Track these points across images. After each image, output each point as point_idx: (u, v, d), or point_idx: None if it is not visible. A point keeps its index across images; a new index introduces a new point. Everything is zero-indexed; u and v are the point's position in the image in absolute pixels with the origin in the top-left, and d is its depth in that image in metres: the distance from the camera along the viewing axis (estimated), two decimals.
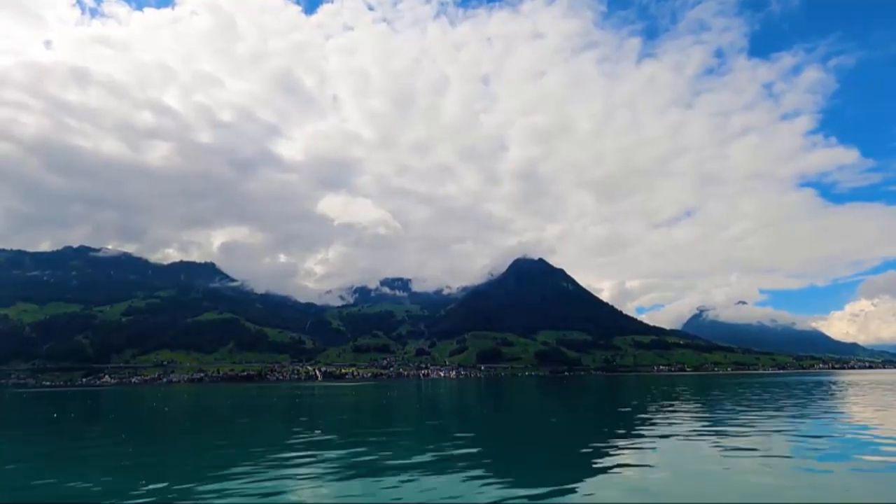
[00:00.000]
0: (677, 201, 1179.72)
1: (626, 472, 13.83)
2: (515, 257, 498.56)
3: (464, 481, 12.91)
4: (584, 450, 18.09)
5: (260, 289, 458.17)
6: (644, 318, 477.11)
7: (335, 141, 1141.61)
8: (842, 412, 29.54)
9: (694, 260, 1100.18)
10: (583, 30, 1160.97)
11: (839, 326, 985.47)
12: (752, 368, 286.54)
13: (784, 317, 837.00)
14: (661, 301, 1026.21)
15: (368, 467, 15.01)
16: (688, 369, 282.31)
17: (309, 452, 17.53)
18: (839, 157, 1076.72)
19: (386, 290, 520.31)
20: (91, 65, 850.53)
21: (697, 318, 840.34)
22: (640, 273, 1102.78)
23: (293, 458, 16.58)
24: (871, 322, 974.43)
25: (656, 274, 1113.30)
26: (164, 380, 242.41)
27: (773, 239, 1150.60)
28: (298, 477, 13.72)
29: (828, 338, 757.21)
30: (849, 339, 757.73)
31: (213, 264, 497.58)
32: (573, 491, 12.02)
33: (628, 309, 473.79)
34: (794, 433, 20.38)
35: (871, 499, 11.00)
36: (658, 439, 19.40)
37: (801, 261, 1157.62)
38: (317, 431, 24.04)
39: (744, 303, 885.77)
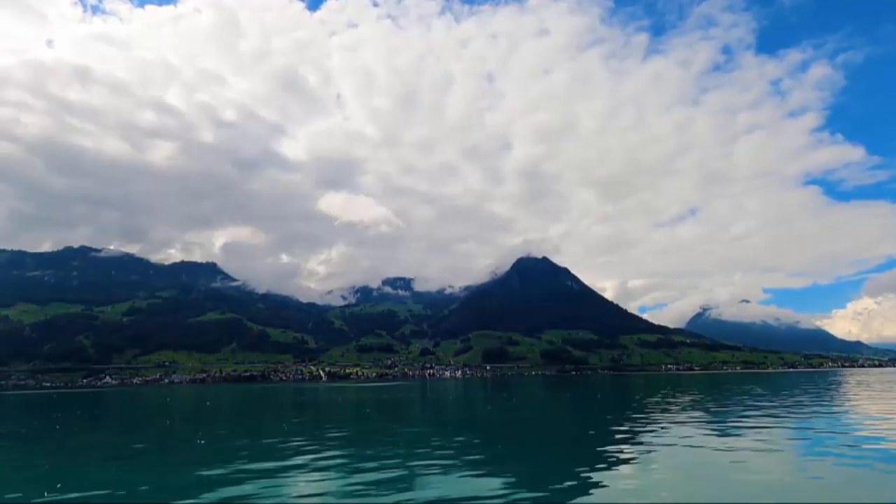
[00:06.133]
0: (681, 200, 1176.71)
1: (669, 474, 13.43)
2: (519, 256, 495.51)
3: (467, 481, 12.96)
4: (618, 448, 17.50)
5: (262, 289, 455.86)
6: (647, 317, 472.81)
7: (339, 140, 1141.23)
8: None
9: (697, 259, 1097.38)
10: (589, 26, 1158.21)
11: (842, 325, 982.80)
12: (761, 367, 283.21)
13: (787, 315, 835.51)
14: (664, 300, 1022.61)
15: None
16: (696, 368, 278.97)
17: None
18: (845, 155, 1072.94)
19: (388, 289, 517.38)
20: (93, 63, 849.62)
21: (700, 316, 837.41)
22: (642, 272, 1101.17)
23: None
24: (875, 320, 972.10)
25: (659, 273, 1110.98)
26: (166, 380, 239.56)
27: (776, 237, 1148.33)
28: None
29: (832, 336, 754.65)
30: (852, 338, 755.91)
31: (214, 264, 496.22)
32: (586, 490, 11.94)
33: (631, 308, 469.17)
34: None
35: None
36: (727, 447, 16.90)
37: (804, 259, 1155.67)
38: None
39: (747, 301, 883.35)
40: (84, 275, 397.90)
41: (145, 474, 14.36)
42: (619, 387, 77.70)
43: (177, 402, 63.03)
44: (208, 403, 57.12)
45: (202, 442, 20.68)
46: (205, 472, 14.34)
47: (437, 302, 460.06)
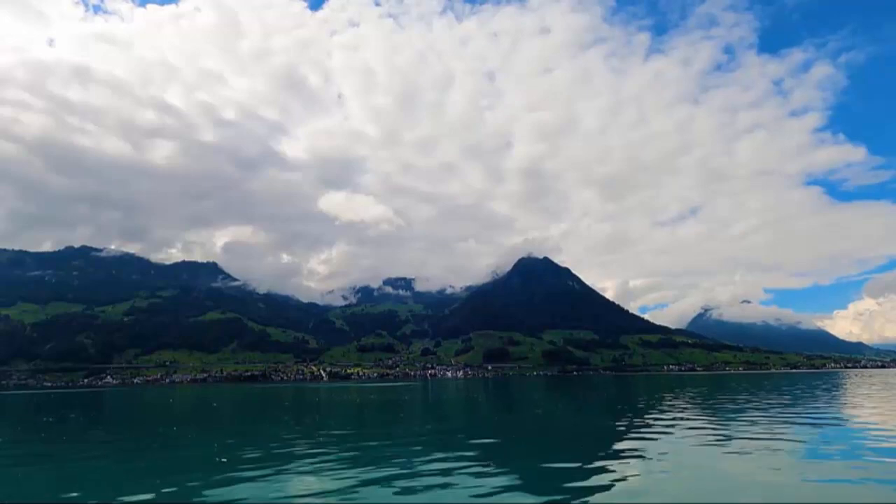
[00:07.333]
0: (682, 199, 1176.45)
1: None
2: (520, 256, 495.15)
3: (469, 481, 12.90)
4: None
5: (262, 288, 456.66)
6: (648, 317, 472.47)
7: (339, 139, 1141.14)
8: None
9: (698, 258, 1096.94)
10: (591, 25, 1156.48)
11: (843, 325, 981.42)
12: (763, 367, 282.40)
13: (788, 316, 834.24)
14: (665, 300, 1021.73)
15: None
16: (699, 369, 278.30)
17: None
18: (847, 155, 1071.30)
19: (389, 289, 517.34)
20: (93, 63, 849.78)
21: (701, 317, 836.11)
22: (643, 272, 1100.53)
23: None
24: (876, 321, 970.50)
25: (660, 273, 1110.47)
26: (167, 380, 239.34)
27: (778, 237, 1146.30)
28: None
29: (833, 337, 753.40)
30: (853, 339, 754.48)
31: (215, 264, 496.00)
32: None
33: (632, 308, 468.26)
34: None
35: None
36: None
37: (805, 259, 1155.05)
38: None
39: (748, 301, 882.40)
40: (85, 274, 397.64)
41: None
42: (638, 387, 76.97)
43: (180, 404, 62.22)
44: (215, 405, 56.00)
45: (224, 460, 16.61)
46: None
47: (438, 302, 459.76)
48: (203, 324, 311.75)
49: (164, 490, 12.59)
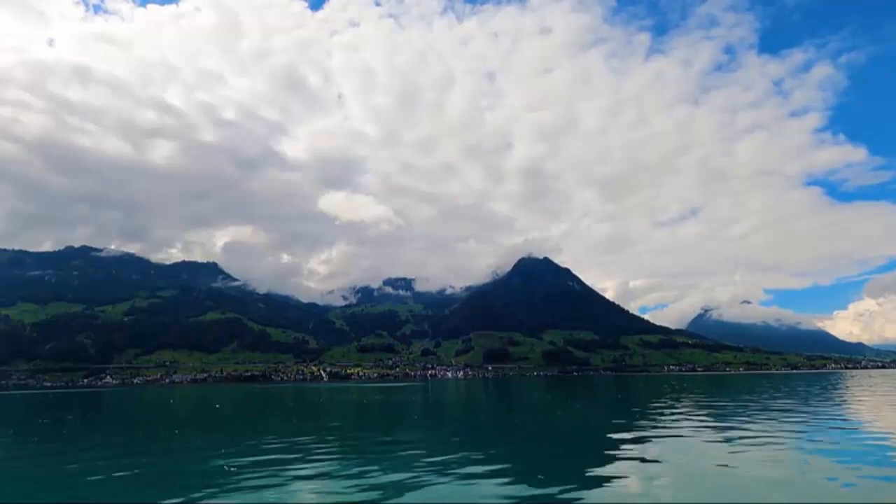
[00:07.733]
0: (683, 199, 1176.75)
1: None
2: (520, 256, 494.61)
3: (471, 480, 13.05)
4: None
5: (262, 289, 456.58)
6: (648, 317, 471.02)
7: (339, 139, 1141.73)
8: None
9: (698, 258, 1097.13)
10: (591, 25, 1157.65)
11: (843, 326, 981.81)
12: (764, 368, 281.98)
13: (788, 316, 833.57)
14: (665, 300, 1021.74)
15: None
16: (699, 369, 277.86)
17: None
18: (847, 155, 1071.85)
19: (389, 289, 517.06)
20: (93, 62, 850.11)
21: (702, 317, 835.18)
22: (643, 272, 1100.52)
23: None
24: (876, 321, 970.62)
25: (660, 273, 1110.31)
26: (167, 380, 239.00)
27: (778, 237, 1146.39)
28: None
29: (833, 337, 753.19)
30: (853, 339, 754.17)
31: (215, 264, 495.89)
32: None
33: (632, 308, 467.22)
34: None
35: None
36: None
37: (805, 259, 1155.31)
38: None
39: (748, 302, 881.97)
40: (85, 274, 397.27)
41: None
42: (641, 388, 76.74)
43: (181, 405, 61.84)
44: (217, 406, 55.41)
45: (233, 468, 15.33)
46: None
47: (439, 302, 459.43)
48: (203, 324, 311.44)
49: (167, 502, 11.82)
